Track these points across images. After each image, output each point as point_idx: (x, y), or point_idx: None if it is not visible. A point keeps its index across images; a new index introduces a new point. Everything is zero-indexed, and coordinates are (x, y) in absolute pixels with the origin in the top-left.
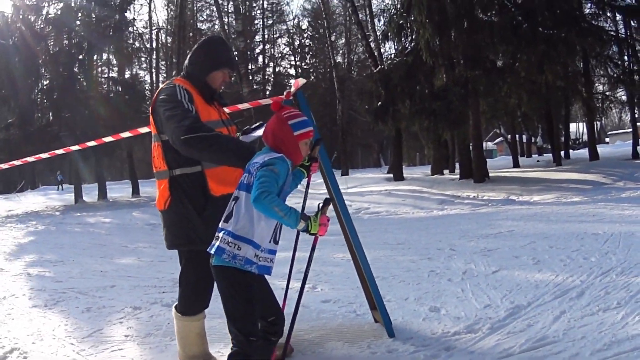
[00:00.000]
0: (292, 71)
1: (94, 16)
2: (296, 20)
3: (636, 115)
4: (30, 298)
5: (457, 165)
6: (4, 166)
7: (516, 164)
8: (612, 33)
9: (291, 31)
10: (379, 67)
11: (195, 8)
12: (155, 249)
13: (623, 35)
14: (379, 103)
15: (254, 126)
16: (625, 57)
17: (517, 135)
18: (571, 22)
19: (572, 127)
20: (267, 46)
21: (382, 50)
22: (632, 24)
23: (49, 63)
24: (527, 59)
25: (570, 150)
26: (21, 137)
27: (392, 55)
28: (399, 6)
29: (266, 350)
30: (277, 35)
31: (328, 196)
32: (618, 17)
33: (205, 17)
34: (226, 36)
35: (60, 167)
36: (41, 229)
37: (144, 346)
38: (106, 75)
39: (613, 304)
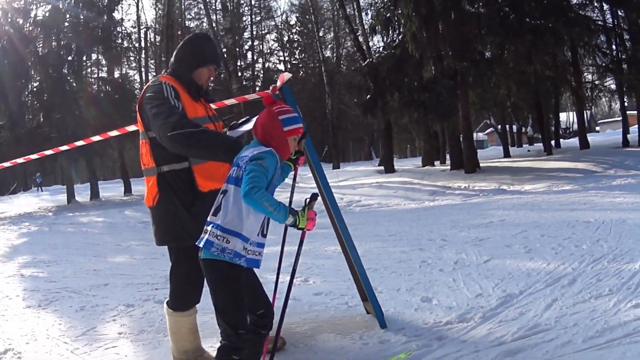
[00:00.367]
0: (281, 67)
1: (82, 17)
2: (284, 16)
3: (626, 104)
4: (24, 299)
5: (447, 156)
6: None
7: (507, 154)
8: (599, 22)
9: (279, 27)
10: (367, 60)
11: (182, 6)
12: (148, 246)
13: (610, 25)
14: (368, 96)
15: (241, 121)
16: (614, 46)
17: (507, 126)
18: (558, 12)
19: (563, 116)
20: (256, 42)
21: (370, 43)
22: (619, 13)
23: (38, 65)
24: (515, 50)
25: (561, 140)
26: (12, 139)
27: (380, 49)
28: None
29: (256, 343)
30: (266, 31)
31: (316, 190)
32: (605, 6)
33: (193, 15)
34: (214, 33)
35: (52, 168)
36: (34, 230)
37: (137, 343)
38: (96, 76)
39: (605, 291)
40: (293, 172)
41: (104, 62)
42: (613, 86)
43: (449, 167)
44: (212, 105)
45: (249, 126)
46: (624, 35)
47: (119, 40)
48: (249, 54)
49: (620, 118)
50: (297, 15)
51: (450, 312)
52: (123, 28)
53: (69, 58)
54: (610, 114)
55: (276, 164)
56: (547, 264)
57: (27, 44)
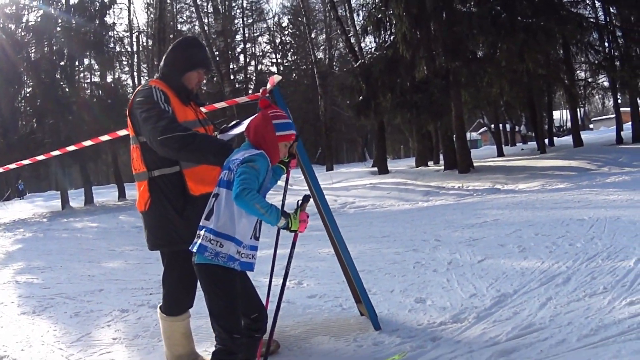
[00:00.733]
0: (273, 69)
1: (73, 22)
2: (276, 18)
3: (619, 101)
4: (19, 305)
5: (441, 156)
6: None
7: (500, 153)
8: (591, 20)
9: (271, 29)
10: (360, 61)
11: (174, 10)
12: (142, 251)
13: (603, 22)
14: (361, 97)
15: (231, 124)
16: (606, 44)
17: (500, 125)
18: (550, 10)
19: (556, 114)
20: (248, 45)
21: (362, 44)
22: (612, 10)
23: (31, 71)
24: (507, 49)
25: (554, 138)
26: (5, 145)
27: (372, 50)
28: (377, 0)
29: (250, 347)
30: (258, 33)
31: (308, 192)
32: (597, 3)
33: (185, 18)
34: (206, 37)
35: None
36: (29, 236)
37: (131, 348)
38: (88, 81)
39: (599, 289)
40: (285, 175)
41: (96, 67)
42: (606, 83)
43: (442, 167)
44: (203, 109)
45: (239, 129)
46: (616, 32)
47: (111, 45)
48: (241, 57)
49: (614, 115)
50: (289, 17)
51: (444, 312)
52: (115, 32)
53: (61, 63)
54: (604, 111)
55: (267, 166)
56: (542, 263)
57: (19, 49)
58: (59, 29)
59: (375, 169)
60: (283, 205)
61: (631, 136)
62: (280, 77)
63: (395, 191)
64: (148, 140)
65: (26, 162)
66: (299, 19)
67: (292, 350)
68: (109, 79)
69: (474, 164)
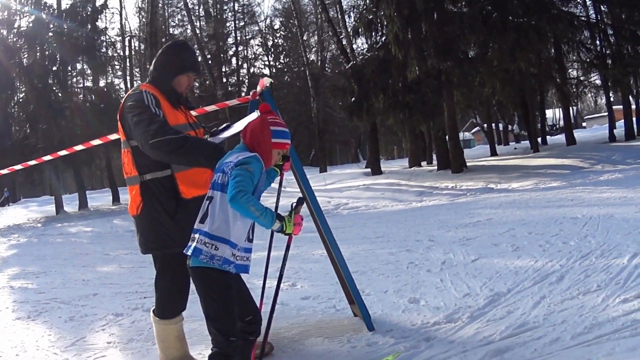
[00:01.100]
0: (266, 71)
1: (65, 27)
2: (268, 21)
3: (612, 99)
4: (14, 310)
5: (434, 156)
6: None
7: (494, 153)
8: (583, 18)
9: (263, 32)
10: (351, 62)
11: (166, 14)
12: (136, 254)
13: (594, 20)
14: (353, 99)
15: (222, 127)
16: (597, 42)
17: (493, 124)
18: (541, 9)
19: (549, 113)
20: (240, 48)
21: (354, 46)
22: (602, 8)
23: (23, 76)
24: (499, 48)
25: (547, 136)
26: None
27: (364, 51)
28: (368, 1)
29: (245, 349)
30: (250, 36)
31: (301, 196)
32: (588, 2)
33: (176, 22)
34: (198, 40)
35: (40, 179)
36: (23, 241)
37: (126, 352)
38: (81, 85)
39: (593, 286)
40: (279, 178)
41: (88, 71)
42: (598, 81)
43: (435, 167)
44: (193, 113)
45: (230, 132)
46: (607, 30)
47: (103, 49)
48: (234, 60)
49: (607, 113)
50: (281, 19)
51: (437, 312)
52: (107, 37)
53: (54, 68)
54: (597, 109)
55: (261, 169)
56: (535, 262)
57: (12, 55)
58: (50, 34)
59: (369, 170)
60: (277, 208)
61: (624, 134)
62: (270, 80)
63: (388, 192)
64: (140, 144)
65: (18, 167)
66: (291, 21)
67: (285, 352)
68: (102, 83)
69: (467, 164)
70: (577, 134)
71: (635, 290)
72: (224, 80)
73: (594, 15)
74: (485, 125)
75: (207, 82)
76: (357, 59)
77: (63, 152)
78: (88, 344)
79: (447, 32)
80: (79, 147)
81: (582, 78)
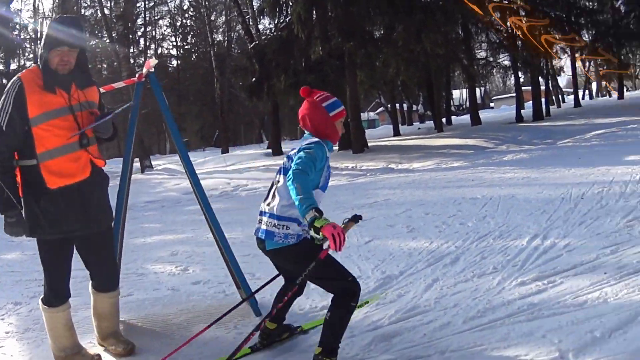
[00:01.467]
0: (174, 52)
1: None
2: (178, 1)
3: (521, 80)
4: None
5: None
6: None
7: (397, 133)
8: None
9: (172, 12)
10: (254, 42)
11: None
12: None
13: (506, 1)
14: (254, 79)
15: (105, 112)
16: (508, 23)
17: (397, 104)
18: None
19: (456, 93)
20: (149, 28)
21: (259, 26)
22: None
23: None
24: (405, 29)
25: (452, 117)
26: None
27: (268, 31)
28: None
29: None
30: (159, 16)
31: (360, 214)
32: None
33: (88, 2)
34: (106, 21)
35: None
36: None
37: (22, 342)
38: None
39: (489, 269)
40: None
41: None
42: (507, 62)
43: (336, 147)
44: (102, 90)
45: (103, 121)
46: (519, 11)
47: (16, 32)
48: (142, 40)
49: (515, 94)
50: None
51: (327, 296)
52: (20, 19)
53: None
54: (506, 90)
55: (324, 154)
56: (430, 243)
57: None
58: None
59: (270, 150)
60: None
61: (532, 114)
62: (156, 61)
63: None
64: None
65: None
66: (200, 1)
67: (174, 339)
68: (13, 66)
69: (369, 144)
70: (485, 114)
71: (533, 273)
72: (132, 61)
73: None
74: (389, 105)
75: (115, 63)
76: (260, 39)
77: None
78: None
79: (352, 13)
80: None
81: (490, 59)
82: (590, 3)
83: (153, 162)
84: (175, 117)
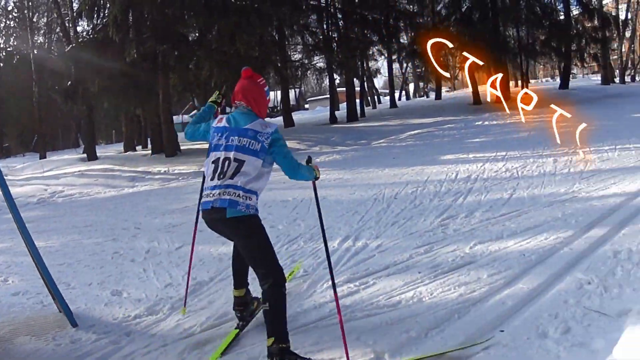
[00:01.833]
0: None
1: None
2: (3, 2)
3: (337, 81)
4: None
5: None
6: None
7: None
8: (312, 2)
9: None
10: (71, 45)
11: None
12: None
13: (324, 4)
14: (69, 82)
15: None
16: (325, 25)
17: None
18: None
19: (270, 95)
20: None
21: (78, 28)
22: None
23: None
24: (219, 31)
25: (267, 118)
26: None
27: (85, 33)
28: None
29: None
30: None
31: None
32: None
33: None
34: None
35: None
36: None
37: None
38: None
39: (300, 272)
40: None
41: None
42: (321, 64)
43: (150, 151)
44: None
45: None
46: (337, 14)
47: None
48: None
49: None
50: (15, 0)
51: (139, 304)
52: None
53: None
54: (321, 91)
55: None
56: None
57: None
58: None
59: (85, 155)
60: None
61: (346, 115)
62: None
63: (102, 178)
64: None
65: None
66: (24, 2)
67: None
68: None
69: (182, 147)
70: (299, 116)
71: (345, 275)
72: None
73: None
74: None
75: None
76: (78, 41)
77: None
78: None
79: (167, 15)
80: None
81: (305, 61)
82: (410, 6)
83: None
84: None
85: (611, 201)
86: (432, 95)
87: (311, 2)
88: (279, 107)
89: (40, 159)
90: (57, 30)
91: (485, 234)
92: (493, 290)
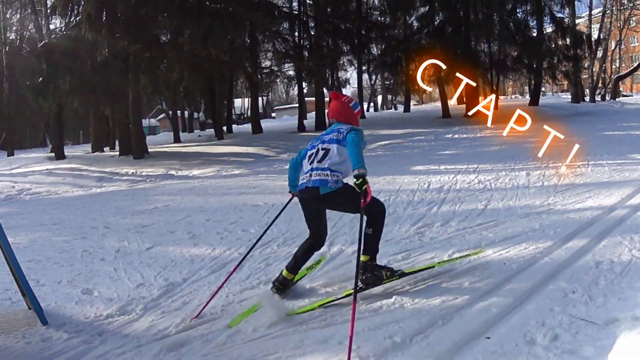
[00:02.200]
0: None
1: None
2: None
3: (305, 90)
4: None
5: (117, 141)
6: None
7: (177, 139)
8: (285, 9)
9: None
10: (43, 41)
11: None
12: None
13: (296, 11)
14: (40, 79)
15: None
16: (296, 33)
17: (179, 111)
18: None
19: (238, 102)
20: None
21: (52, 25)
22: (308, 0)
23: None
24: (192, 33)
25: (234, 125)
26: None
27: (58, 30)
28: None
29: None
30: None
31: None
32: None
33: None
34: None
35: None
36: None
37: None
38: None
39: (275, 275)
40: None
41: None
42: (291, 72)
43: (118, 153)
44: None
45: None
46: (309, 22)
47: None
48: None
49: (297, 105)
50: None
51: (111, 304)
52: None
53: None
54: (288, 100)
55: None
56: (212, 250)
57: None
58: None
59: (53, 154)
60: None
61: (314, 124)
62: None
63: (70, 177)
64: None
65: None
66: None
67: None
68: None
69: (150, 150)
70: (266, 123)
71: (323, 279)
72: None
73: (297, 7)
74: (171, 112)
75: None
76: (51, 38)
77: None
78: None
79: (142, 15)
80: None
81: (275, 68)
82: (382, 18)
83: None
84: None
85: (588, 214)
86: (400, 108)
87: (284, 10)
88: (246, 115)
89: (8, 156)
90: (30, 27)
91: (463, 242)
92: (476, 297)
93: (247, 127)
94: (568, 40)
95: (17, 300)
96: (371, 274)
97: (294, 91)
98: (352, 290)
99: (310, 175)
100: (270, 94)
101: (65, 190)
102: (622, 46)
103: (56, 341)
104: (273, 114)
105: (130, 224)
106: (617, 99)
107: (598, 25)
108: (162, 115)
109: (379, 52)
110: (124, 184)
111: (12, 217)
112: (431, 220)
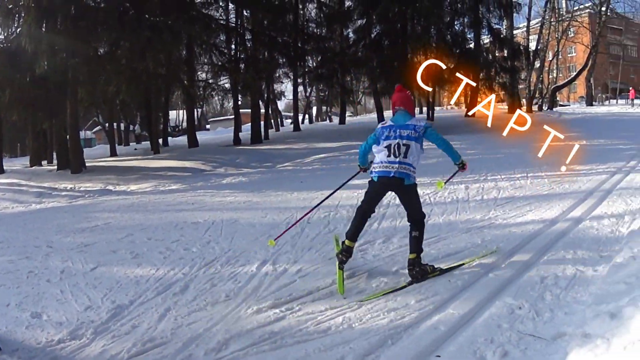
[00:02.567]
0: None
1: None
2: None
3: (240, 102)
4: None
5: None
6: None
7: (114, 153)
8: (222, 22)
9: None
10: None
11: None
12: None
13: (233, 24)
14: None
15: None
16: (233, 46)
17: (115, 124)
18: (180, 10)
19: (172, 114)
20: None
21: None
22: (245, 13)
23: None
24: (130, 47)
25: (169, 138)
26: None
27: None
28: None
29: None
30: None
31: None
32: (231, 6)
33: None
34: None
35: None
36: None
37: None
38: None
39: (221, 297)
40: None
41: None
42: (227, 85)
43: (56, 167)
44: None
45: None
46: (245, 34)
47: None
48: None
49: (233, 117)
50: None
51: (61, 328)
52: None
53: None
54: (223, 112)
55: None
56: (156, 270)
57: None
58: None
59: None
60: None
61: (250, 137)
62: None
63: (9, 192)
64: None
65: None
66: None
67: None
68: None
69: (87, 164)
70: (201, 136)
71: (269, 300)
72: None
73: (234, 19)
74: (107, 124)
75: None
76: None
77: None
78: None
79: (81, 27)
80: None
81: (210, 81)
82: (319, 30)
83: None
84: None
85: (530, 228)
86: (336, 119)
87: (221, 22)
88: (180, 127)
89: None
90: None
91: (406, 259)
92: (423, 315)
93: (183, 139)
94: (505, 52)
95: None
96: (419, 268)
97: (229, 103)
98: (408, 283)
99: (398, 167)
100: (205, 105)
101: (5, 206)
102: (560, 56)
103: None
104: (207, 126)
105: (73, 242)
106: (554, 109)
107: (536, 37)
108: (97, 128)
109: (315, 64)
110: (63, 200)
111: None
112: (372, 237)
